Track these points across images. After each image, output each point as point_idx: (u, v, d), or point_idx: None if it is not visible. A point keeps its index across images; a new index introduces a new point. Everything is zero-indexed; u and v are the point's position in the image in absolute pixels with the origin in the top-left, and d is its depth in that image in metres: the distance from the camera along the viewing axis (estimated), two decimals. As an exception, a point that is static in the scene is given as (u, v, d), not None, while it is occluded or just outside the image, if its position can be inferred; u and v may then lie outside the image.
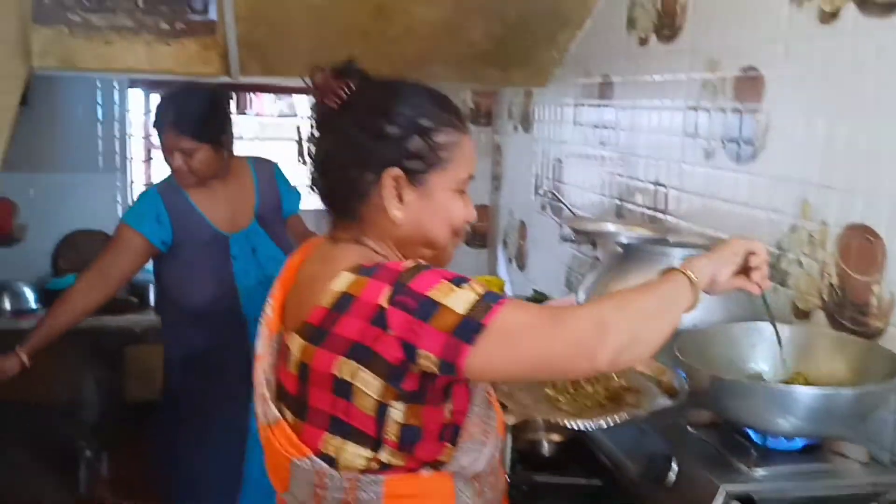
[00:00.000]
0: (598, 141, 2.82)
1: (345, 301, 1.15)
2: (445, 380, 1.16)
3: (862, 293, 1.57)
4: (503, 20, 2.86)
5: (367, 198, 1.24)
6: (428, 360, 1.10)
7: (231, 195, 2.46)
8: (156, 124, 2.36)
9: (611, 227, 1.90)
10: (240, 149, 2.51)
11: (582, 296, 1.85)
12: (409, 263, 1.16)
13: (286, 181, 2.60)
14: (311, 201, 2.99)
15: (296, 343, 1.20)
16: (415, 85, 1.30)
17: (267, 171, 2.57)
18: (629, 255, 1.79)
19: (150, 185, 2.47)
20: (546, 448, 1.76)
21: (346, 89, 1.26)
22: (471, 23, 2.86)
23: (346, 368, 1.14)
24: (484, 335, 1.08)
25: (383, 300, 1.11)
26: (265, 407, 1.27)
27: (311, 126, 1.29)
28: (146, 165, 4.31)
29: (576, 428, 1.46)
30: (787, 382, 1.51)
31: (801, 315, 1.75)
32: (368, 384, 1.13)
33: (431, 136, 1.23)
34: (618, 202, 2.68)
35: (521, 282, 3.72)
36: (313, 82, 1.30)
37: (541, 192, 2.77)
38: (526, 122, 3.64)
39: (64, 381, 3.39)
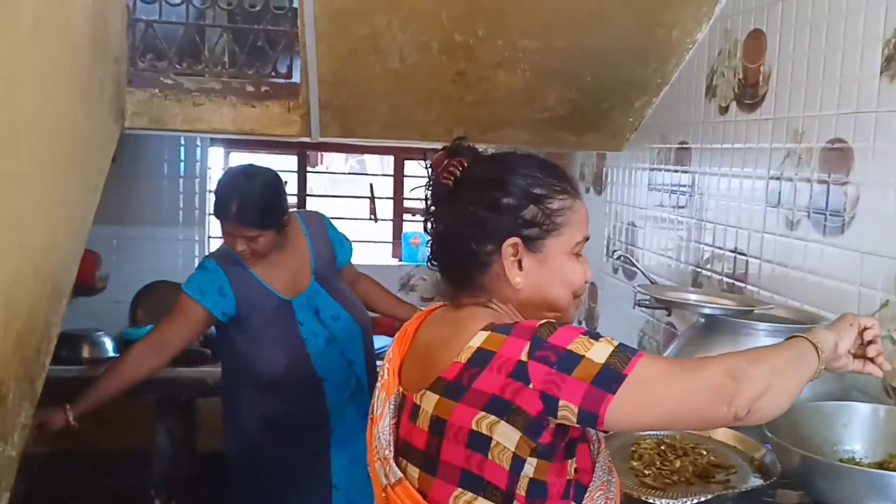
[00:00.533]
0: (674, 205, 2.81)
1: (484, 357, 1.18)
2: (575, 435, 1.19)
3: (961, 374, 1.52)
4: (579, 87, 2.90)
5: (489, 267, 1.29)
6: (568, 410, 1.12)
7: (289, 260, 2.48)
8: (217, 214, 2.37)
9: (692, 296, 1.88)
10: (310, 204, 2.56)
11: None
12: (543, 321, 1.19)
13: (337, 231, 2.64)
14: (359, 253, 3.00)
15: (429, 400, 1.23)
16: (525, 156, 1.36)
17: (318, 224, 2.60)
18: (711, 326, 1.77)
19: (208, 256, 2.50)
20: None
21: (460, 167, 1.32)
22: (547, 88, 2.90)
23: (484, 422, 1.16)
24: (625, 385, 1.11)
25: (524, 355, 1.15)
26: (387, 467, 1.29)
27: (427, 204, 1.36)
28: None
29: (657, 504, 1.44)
30: (881, 466, 1.46)
31: (893, 394, 1.70)
32: (507, 437, 1.15)
33: (545, 204, 1.28)
34: (694, 268, 2.65)
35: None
36: (429, 162, 1.36)
37: (613, 255, 2.76)
38: (598, 185, 3.64)
39: (136, 431, 3.47)
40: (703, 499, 1.43)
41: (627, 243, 3.26)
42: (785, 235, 2.13)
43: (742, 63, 2.37)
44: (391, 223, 4.56)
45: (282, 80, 3.01)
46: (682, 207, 2.75)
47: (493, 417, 1.15)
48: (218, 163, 4.28)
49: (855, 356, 1.32)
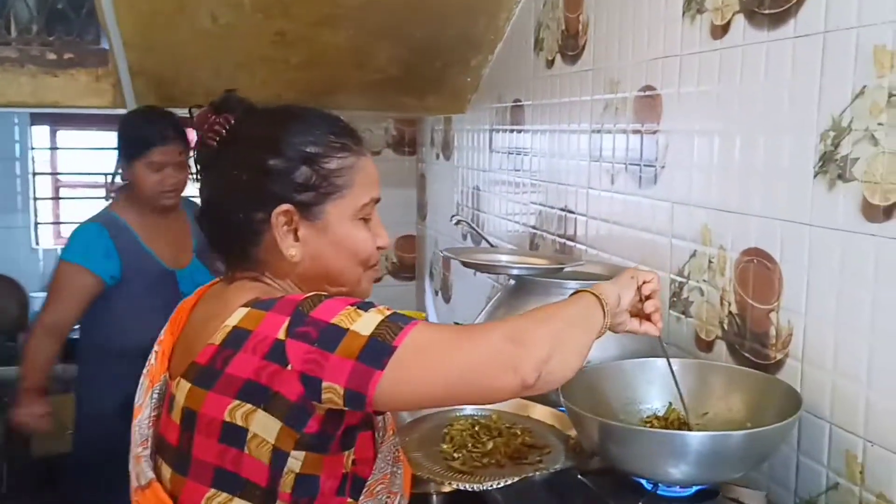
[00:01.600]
0: (513, 167, 2.72)
1: (239, 336, 1.03)
2: (351, 421, 1.05)
3: (761, 322, 1.46)
4: (409, 45, 2.76)
5: (261, 238, 1.14)
6: (333, 392, 0.99)
7: (173, 233, 2.42)
8: (149, 142, 2.30)
9: (503, 257, 1.78)
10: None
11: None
12: (311, 294, 1.05)
13: None
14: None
15: (182, 388, 1.07)
16: (301, 109, 1.20)
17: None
18: (521, 288, 1.67)
19: (89, 220, 2.37)
20: (436, 502, 1.62)
21: (226, 124, 1.15)
22: (376, 47, 2.75)
23: (239, 412, 1.01)
24: (395, 357, 0.98)
25: (282, 333, 1.00)
26: (139, 468, 1.13)
27: (195, 168, 1.19)
28: (54, 205, 4.10)
29: (462, 488, 1.34)
30: (682, 423, 1.39)
31: (704, 346, 1.64)
32: (265, 428, 1.01)
33: (321, 164, 1.14)
34: (531, 230, 2.57)
35: (446, 314, 3.58)
36: (193, 120, 1.19)
37: (452, 220, 2.65)
38: (447, 150, 3.53)
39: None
40: (509, 481, 1.33)
41: (474, 208, 3.16)
42: (607, 190, 2.05)
43: (564, 14, 2.28)
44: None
45: (90, 47, 2.76)
46: (520, 169, 2.66)
47: (248, 406, 1.01)
48: (43, 142, 3.94)
49: (634, 315, 1.24)
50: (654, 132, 1.81)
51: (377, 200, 1.21)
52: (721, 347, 1.59)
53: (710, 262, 1.62)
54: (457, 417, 1.59)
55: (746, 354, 1.50)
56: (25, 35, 2.70)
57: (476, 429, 1.53)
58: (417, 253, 4.08)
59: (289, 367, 0.99)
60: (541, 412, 1.60)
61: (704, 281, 1.64)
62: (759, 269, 1.47)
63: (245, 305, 1.06)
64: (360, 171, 1.17)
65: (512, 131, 2.71)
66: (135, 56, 2.62)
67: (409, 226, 4.06)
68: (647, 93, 1.84)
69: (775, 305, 1.42)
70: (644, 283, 1.23)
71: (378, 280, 1.39)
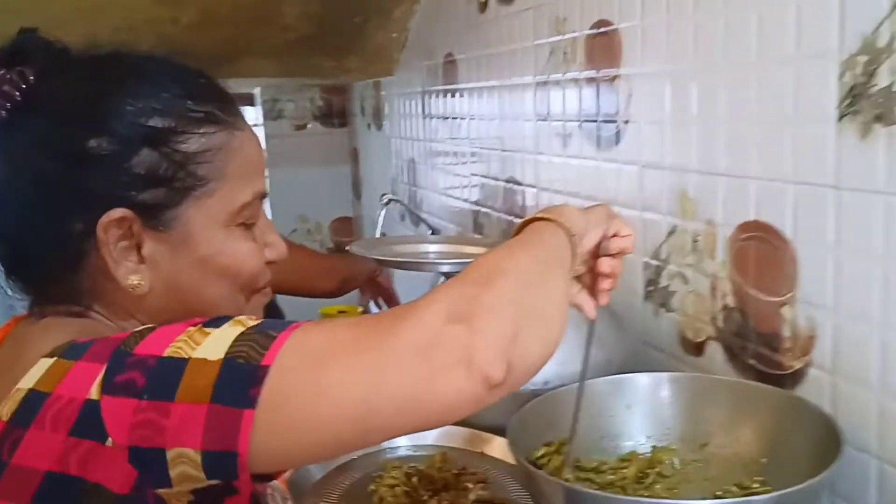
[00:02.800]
0: (449, 134, 2.33)
1: (33, 405, 0.64)
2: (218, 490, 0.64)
3: (769, 319, 1.11)
4: (319, -5, 2.35)
5: (82, 261, 0.75)
6: (186, 463, 0.61)
7: None
8: None
9: (432, 248, 1.40)
10: None
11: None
12: (144, 327, 0.68)
13: None
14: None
15: None
16: (138, 59, 0.79)
17: None
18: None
19: None
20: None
21: (20, 83, 0.75)
22: (281, 1, 2.34)
23: None
24: (269, 385, 0.61)
25: (94, 390, 0.62)
26: None
27: None
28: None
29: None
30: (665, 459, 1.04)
31: (693, 348, 1.29)
32: None
33: (174, 144, 0.75)
34: (475, 207, 2.19)
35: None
36: None
37: (382, 198, 2.28)
38: (378, 119, 3.13)
39: None
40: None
41: (411, 184, 2.77)
42: (559, 154, 1.68)
43: (496, -56, 1.89)
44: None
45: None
46: (456, 137, 2.28)
47: None
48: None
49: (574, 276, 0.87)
50: (613, 79, 1.44)
51: (263, 196, 0.83)
52: (715, 351, 1.23)
53: (694, 240, 1.26)
54: (388, 462, 1.20)
55: (751, 361, 1.15)
56: None
57: (414, 480, 1.15)
58: (355, 237, 3.68)
59: (109, 442, 0.61)
60: (500, 447, 1.22)
61: (688, 265, 1.28)
62: (762, 249, 1.11)
63: (50, 355, 0.67)
64: (236, 155, 0.79)
65: (446, 93, 2.32)
66: (-12, 23, 2.17)
67: (345, 206, 3.66)
68: (602, 29, 1.46)
69: (789, 297, 1.06)
70: (615, 235, 0.88)
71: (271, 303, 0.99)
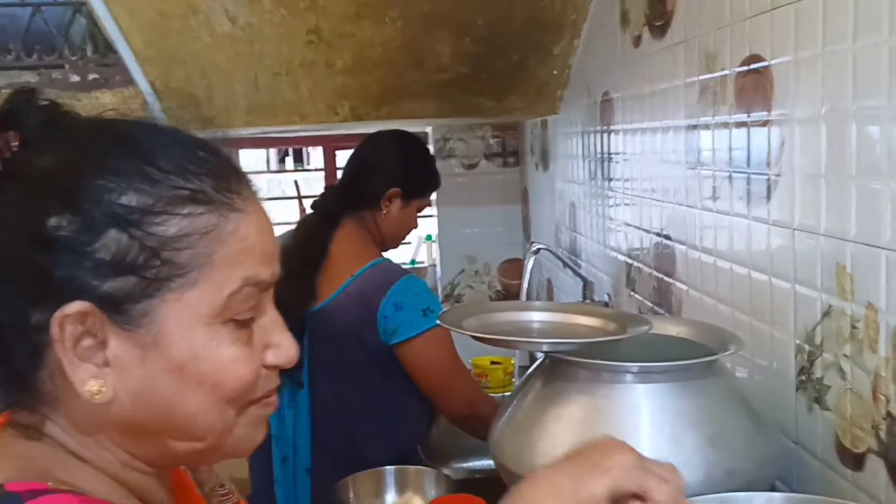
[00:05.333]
0: (605, 176, 2.14)
1: None
2: None
3: (943, 441, 0.84)
4: (472, 35, 2.25)
5: (40, 359, 0.66)
6: None
7: None
8: (436, 184, 2.11)
9: (535, 316, 1.21)
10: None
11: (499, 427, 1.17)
12: (41, 485, 0.60)
13: None
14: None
15: None
16: (133, 127, 0.71)
17: None
18: (555, 371, 1.12)
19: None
20: None
21: (4, 150, 0.68)
22: (433, 40, 2.26)
23: None
24: None
25: None
26: None
27: None
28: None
29: None
30: None
31: (851, 460, 1.03)
32: None
33: (147, 227, 0.65)
34: (627, 261, 1.98)
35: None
36: None
37: (532, 247, 2.12)
38: (545, 159, 2.98)
39: None
40: None
41: (571, 229, 2.60)
42: (708, 209, 1.45)
43: (649, -28, 1.70)
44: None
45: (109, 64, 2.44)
46: (613, 179, 2.09)
47: None
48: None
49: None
50: (765, 123, 1.21)
51: (270, 284, 0.71)
52: (877, 467, 0.97)
53: (853, 326, 1.00)
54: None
55: (919, 492, 0.88)
56: (46, 57, 2.41)
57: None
58: (522, 281, 3.53)
59: None
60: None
61: (845, 357, 1.02)
62: (935, 348, 0.85)
63: None
64: (228, 240, 0.67)
65: (603, 133, 2.14)
66: (155, 72, 2.27)
67: (516, 247, 3.52)
68: (753, 66, 1.24)
69: (968, 416, 0.80)
70: (639, 498, 0.66)
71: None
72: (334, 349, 1.84)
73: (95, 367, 0.65)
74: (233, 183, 0.70)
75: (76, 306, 0.63)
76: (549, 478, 0.65)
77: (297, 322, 1.82)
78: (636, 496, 0.66)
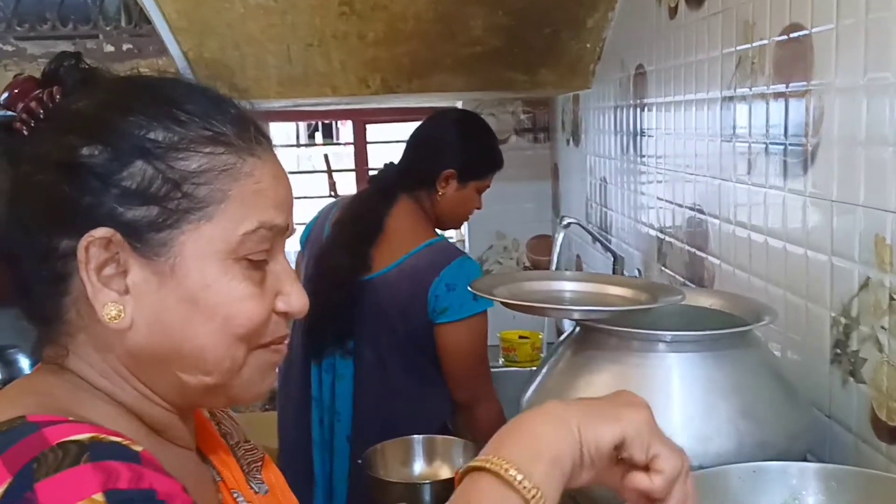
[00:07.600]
0: (637, 153, 2.13)
1: None
2: None
3: (982, 413, 0.83)
4: (506, 8, 2.23)
5: (68, 283, 0.69)
6: None
7: None
8: (498, 163, 2.07)
9: (567, 286, 1.21)
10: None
11: (529, 395, 1.18)
12: (67, 440, 0.59)
13: None
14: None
15: None
16: (164, 82, 0.74)
17: None
18: (587, 340, 1.12)
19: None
20: None
21: (49, 101, 0.71)
22: (466, 13, 2.25)
23: None
24: None
25: None
26: None
27: None
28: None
29: None
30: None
31: (886, 433, 1.02)
32: None
33: (171, 161, 0.67)
34: (659, 236, 1.97)
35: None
36: (6, 95, 0.76)
37: (562, 221, 2.12)
38: (576, 135, 2.96)
39: None
40: None
41: (602, 205, 2.58)
42: (742, 182, 1.44)
43: (687, -59, 1.67)
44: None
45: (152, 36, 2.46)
46: (645, 156, 2.07)
47: None
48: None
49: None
50: (803, 94, 1.19)
51: (283, 230, 0.73)
52: (911, 441, 0.96)
53: (891, 298, 0.99)
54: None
55: (954, 465, 0.88)
56: (80, 27, 2.43)
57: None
58: (551, 257, 3.52)
59: None
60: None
61: (883, 329, 1.01)
62: (976, 320, 0.84)
63: None
64: (245, 180, 0.70)
65: (636, 108, 2.12)
66: (189, 42, 2.28)
67: (545, 224, 3.51)
68: (793, 35, 1.22)
69: None
70: (654, 457, 0.64)
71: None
72: (381, 322, 1.85)
73: (116, 293, 0.67)
74: (252, 132, 0.72)
75: (102, 231, 0.66)
76: (556, 412, 0.64)
77: (347, 291, 1.84)
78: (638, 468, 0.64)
